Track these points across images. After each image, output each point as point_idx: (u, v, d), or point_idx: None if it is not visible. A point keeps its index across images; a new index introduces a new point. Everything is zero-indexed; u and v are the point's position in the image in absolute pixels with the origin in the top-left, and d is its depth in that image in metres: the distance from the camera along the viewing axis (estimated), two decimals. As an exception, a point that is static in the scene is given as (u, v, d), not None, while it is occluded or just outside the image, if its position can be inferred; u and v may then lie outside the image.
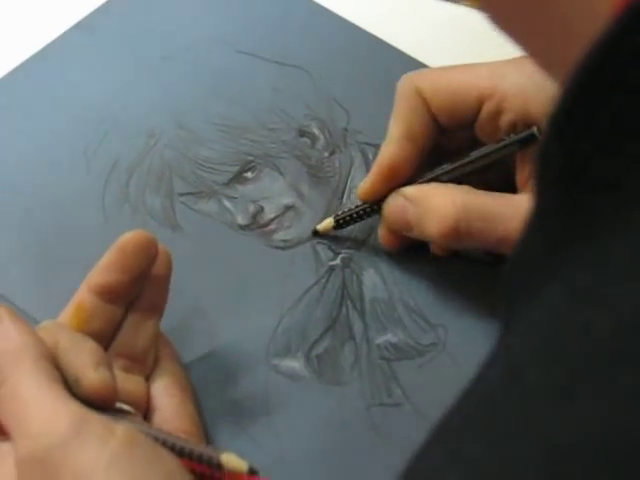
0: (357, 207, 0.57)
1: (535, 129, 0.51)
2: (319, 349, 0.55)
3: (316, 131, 0.64)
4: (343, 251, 0.58)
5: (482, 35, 0.70)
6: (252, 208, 0.60)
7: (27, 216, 0.60)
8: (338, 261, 0.58)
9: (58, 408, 0.38)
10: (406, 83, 0.56)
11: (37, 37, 0.68)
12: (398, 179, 0.55)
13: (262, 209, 0.60)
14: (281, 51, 0.68)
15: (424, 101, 0.55)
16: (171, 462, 0.39)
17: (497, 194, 0.52)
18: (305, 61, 0.67)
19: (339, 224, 0.58)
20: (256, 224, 0.59)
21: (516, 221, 0.49)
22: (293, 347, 0.55)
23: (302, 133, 0.64)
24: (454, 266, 0.58)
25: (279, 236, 0.59)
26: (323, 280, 0.57)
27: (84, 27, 0.69)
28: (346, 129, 0.64)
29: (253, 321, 0.56)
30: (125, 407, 0.44)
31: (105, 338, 0.47)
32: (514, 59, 0.53)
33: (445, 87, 0.55)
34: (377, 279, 0.57)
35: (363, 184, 0.56)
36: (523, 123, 0.52)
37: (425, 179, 0.55)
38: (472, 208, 0.51)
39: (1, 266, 0.57)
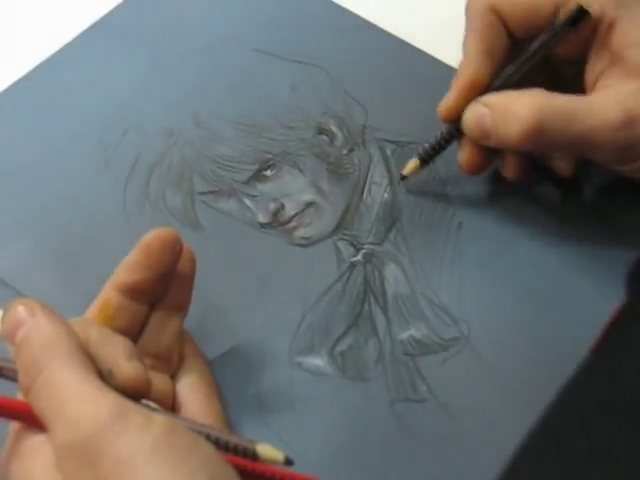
0: (437, 137, 0.58)
1: (585, 5, 0.53)
2: (342, 346, 0.55)
3: (334, 128, 0.64)
4: (364, 246, 0.58)
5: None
6: (272, 206, 0.60)
7: (47, 216, 0.60)
8: (360, 257, 0.58)
9: (97, 397, 0.38)
10: (479, 0, 0.56)
11: (55, 37, 0.68)
12: (478, 94, 0.56)
13: (282, 206, 0.60)
14: (298, 49, 0.68)
15: (500, 16, 0.56)
16: (209, 449, 0.39)
17: (572, 95, 0.53)
18: (322, 59, 0.67)
19: (424, 160, 0.59)
20: (277, 222, 0.59)
21: (594, 119, 0.51)
22: (316, 344, 0.55)
23: (321, 131, 0.64)
24: (476, 259, 0.58)
25: (300, 233, 0.59)
26: (345, 276, 0.57)
27: (102, 27, 0.69)
28: (364, 126, 0.64)
29: (276, 319, 0.56)
30: (152, 405, 0.44)
31: (130, 336, 0.47)
32: None
33: (521, 0, 0.56)
34: (399, 274, 0.57)
35: (444, 103, 0.57)
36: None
37: (496, 85, 0.56)
38: (551, 108, 0.52)
39: (22, 266, 0.58)
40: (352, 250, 0.58)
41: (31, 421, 0.40)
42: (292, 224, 0.59)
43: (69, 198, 0.60)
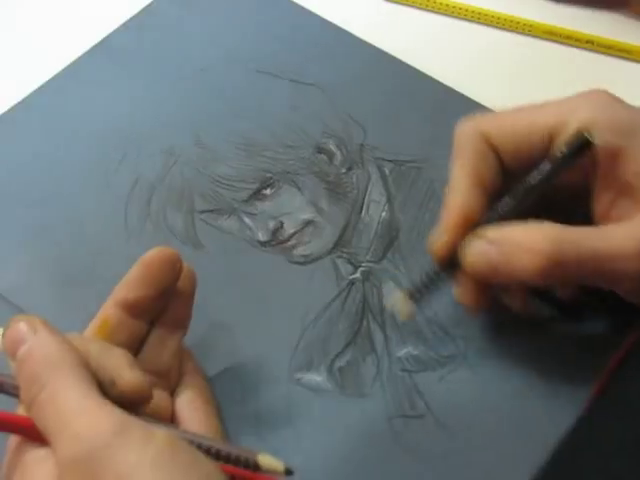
0: (427, 275, 0.54)
1: (587, 134, 0.50)
2: (341, 362, 0.55)
3: (333, 148, 0.64)
4: (363, 264, 0.59)
5: (494, 48, 0.72)
6: (272, 224, 0.61)
7: (48, 233, 0.60)
8: (358, 274, 0.59)
9: (99, 411, 0.39)
10: (468, 128, 0.53)
11: (55, 60, 0.69)
12: (471, 229, 0.52)
13: (282, 225, 0.61)
14: (297, 70, 0.69)
15: (491, 146, 0.53)
16: (210, 465, 0.40)
17: (582, 227, 0.50)
18: (320, 79, 0.68)
19: (417, 299, 0.55)
20: (276, 240, 0.60)
21: (612, 251, 0.48)
22: (315, 361, 0.55)
23: (319, 150, 0.64)
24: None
25: (299, 251, 0.60)
26: (344, 294, 0.58)
27: (102, 49, 0.70)
28: (362, 145, 0.65)
29: (275, 336, 0.56)
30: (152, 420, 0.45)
31: (130, 352, 0.48)
32: (583, 93, 0.52)
33: (512, 129, 0.53)
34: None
35: (439, 241, 0.53)
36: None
37: (492, 218, 0.52)
38: (565, 240, 0.49)
39: (23, 283, 0.58)
40: (350, 268, 0.59)
41: (33, 436, 0.41)
42: (291, 242, 0.60)
43: (70, 216, 0.61)
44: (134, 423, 0.39)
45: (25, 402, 0.41)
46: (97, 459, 0.38)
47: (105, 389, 0.42)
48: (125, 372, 0.43)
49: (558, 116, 0.51)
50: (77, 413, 0.39)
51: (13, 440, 0.43)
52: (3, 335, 0.42)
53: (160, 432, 0.39)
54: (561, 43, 0.71)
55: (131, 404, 0.42)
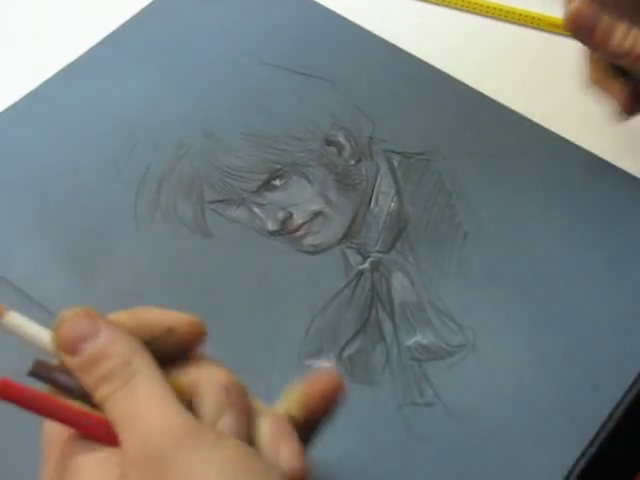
0: None
1: None
2: (350, 350, 0.56)
3: (342, 140, 0.65)
4: (372, 255, 0.59)
5: (504, 45, 0.72)
6: (281, 214, 0.61)
7: (59, 222, 0.61)
8: (367, 265, 0.59)
9: (173, 412, 0.39)
10: None
11: (68, 51, 0.69)
12: None
13: (291, 215, 0.61)
14: (305, 63, 0.69)
15: None
16: (279, 475, 0.40)
17: None
18: (329, 72, 0.68)
19: None
20: (285, 230, 0.60)
21: None
22: (325, 348, 0.56)
23: (329, 142, 0.65)
24: (481, 268, 0.59)
25: (308, 241, 0.60)
26: (353, 283, 0.58)
27: (113, 41, 0.70)
28: (371, 137, 0.65)
29: (285, 323, 0.56)
30: None
31: None
32: None
33: None
34: (406, 282, 0.58)
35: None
36: None
37: None
38: None
39: (34, 271, 0.58)
40: (360, 258, 0.59)
41: (99, 434, 0.41)
42: (300, 232, 0.60)
43: (82, 206, 0.61)
44: (206, 427, 0.39)
45: (97, 398, 0.41)
46: (167, 457, 0.37)
47: (161, 342, 0.42)
48: (177, 316, 0.42)
49: None
50: (153, 410, 0.39)
51: (57, 437, 0.43)
52: (57, 332, 0.41)
53: (231, 439, 0.39)
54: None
55: (190, 347, 0.42)
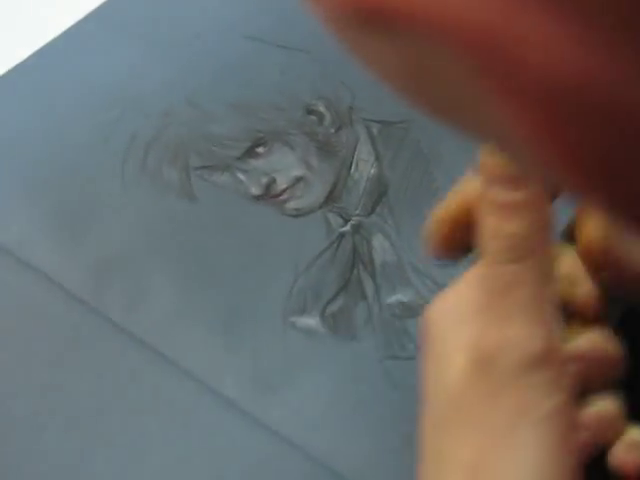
0: None
1: None
2: (333, 307, 0.57)
3: (322, 109, 0.67)
4: (353, 218, 0.61)
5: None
6: (264, 179, 0.63)
7: (48, 187, 0.62)
8: (348, 227, 0.61)
9: (542, 324, 0.36)
10: None
11: (55, 25, 0.71)
12: None
13: (274, 180, 0.63)
14: (286, 37, 0.71)
15: None
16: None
17: None
18: (309, 45, 0.70)
19: None
20: (269, 194, 0.62)
21: None
22: (308, 306, 0.57)
23: (309, 111, 0.66)
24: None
25: (291, 205, 0.62)
26: (335, 245, 0.60)
27: (98, 15, 0.72)
28: (351, 107, 0.67)
29: (269, 283, 0.58)
30: None
31: None
32: None
33: None
34: (386, 244, 0.60)
35: None
36: None
37: None
38: None
39: (26, 235, 0.60)
40: (341, 221, 0.61)
41: None
42: (283, 197, 0.62)
43: (70, 171, 0.63)
44: (557, 360, 0.36)
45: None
46: (504, 372, 0.36)
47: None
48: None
49: None
50: (523, 314, 0.36)
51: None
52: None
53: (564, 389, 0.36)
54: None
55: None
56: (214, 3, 0.73)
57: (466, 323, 0.38)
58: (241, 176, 0.63)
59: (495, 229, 0.37)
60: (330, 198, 0.62)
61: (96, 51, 0.70)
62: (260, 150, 0.64)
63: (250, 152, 0.64)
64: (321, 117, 0.66)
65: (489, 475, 0.36)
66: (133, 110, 0.66)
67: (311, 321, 0.57)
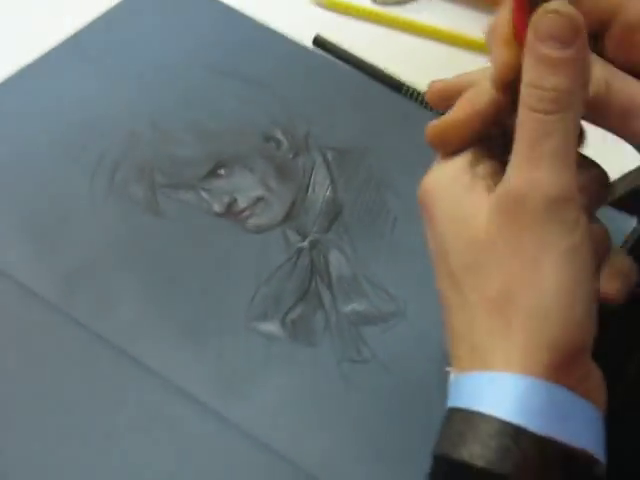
0: None
1: None
2: (293, 315, 0.61)
3: (280, 136, 0.70)
4: (310, 235, 0.65)
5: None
6: (226, 199, 0.66)
7: (22, 201, 0.65)
8: (306, 243, 0.64)
9: (567, 170, 0.40)
10: None
11: (29, 51, 0.74)
12: None
13: (235, 200, 0.66)
14: (245, 68, 0.75)
15: None
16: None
17: None
18: (267, 78, 0.74)
19: None
20: (231, 212, 0.65)
21: None
22: (269, 313, 0.61)
23: (268, 138, 0.70)
24: (410, 248, 0.65)
25: (252, 222, 0.65)
26: (294, 259, 0.63)
27: (71, 43, 0.75)
28: (307, 134, 0.71)
29: (232, 292, 0.61)
30: None
31: None
32: None
33: None
34: (342, 259, 0.64)
35: (498, 59, 0.44)
36: None
37: None
38: None
39: (1, 248, 0.62)
40: (299, 238, 0.65)
41: None
42: (244, 214, 0.66)
43: (41, 186, 0.66)
44: (575, 203, 0.40)
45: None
46: (521, 210, 0.40)
47: None
48: None
49: None
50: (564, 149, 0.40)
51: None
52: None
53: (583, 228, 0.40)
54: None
55: None
56: (177, 35, 0.77)
57: (483, 178, 0.43)
58: (204, 195, 0.66)
59: (540, 80, 0.39)
60: (288, 217, 0.66)
61: (66, 77, 0.73)
62: (222, 172, 0.68)
63: (212, 173, 0.67)
64: (279, 143, 0.70)
65: (515, 304, 0.40)
66: (100, 132, 0.69)
67: (272, 327, 0.60)
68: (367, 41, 0.80)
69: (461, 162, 0.44)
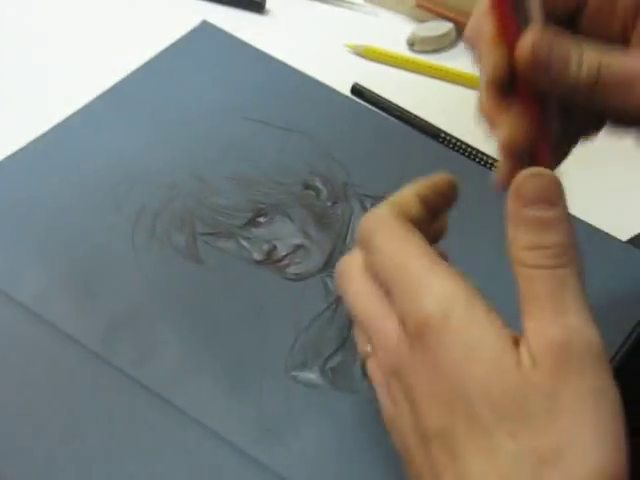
0: None
1: None
2: (332, 363, 0.61)
3: (319, 185, 0.71)
4: (349, 283, 0.65)
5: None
6: (266, 246, 0.67)
7: (64, 251, 0.66)
8: (345, 291, 0.65)
9: (454, 278, 0.42)
10: None
11: (68, 103, 0.76)
12: None
13: (275, 247, 0.67)
14: (284, 119, 0.76)
15: None
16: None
17: None
18: (306, 126, 0.75)
19: None
20: (270, 260, 0.66)
21: None
22: (309, 361, 0.61)
23: (307, 186, 0.71)
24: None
25: (291, 270, 0.66)
26: (333, 307, 0.64)
27: (112, 95, 0.77)
28: (346, 183, 0.72)
29: (272, 340, 0.62)
30: None
31: None
32: None
33: None
34: (380, 307, 0.64)
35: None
36: None
37: None
38: None
39: (44, 294, 0.63)
40: (338, 285, 0.65)
41: None
42: (284, 262, 0.66)
43: (84, 235, 0.67)
44: (479, 300, 0.41)
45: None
46: (444, 328, 0.40)
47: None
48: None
49: None
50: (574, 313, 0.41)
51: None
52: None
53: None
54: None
55: None
56: (217, 85, 0.78)
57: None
58: (244, 243, 0.67)
59: (540, 240, 0.41)
60: (328, 264, 0.67)
61: (109, 128, 0.74)
62: (261, 220, 0.69)
63: (252, 221, 0.68)
64: (318, 192, 0.71)
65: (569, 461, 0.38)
66: (142, 182, 0.70)
67: (312, 375, 0.60)
68: (404, 89, 0.81)
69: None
